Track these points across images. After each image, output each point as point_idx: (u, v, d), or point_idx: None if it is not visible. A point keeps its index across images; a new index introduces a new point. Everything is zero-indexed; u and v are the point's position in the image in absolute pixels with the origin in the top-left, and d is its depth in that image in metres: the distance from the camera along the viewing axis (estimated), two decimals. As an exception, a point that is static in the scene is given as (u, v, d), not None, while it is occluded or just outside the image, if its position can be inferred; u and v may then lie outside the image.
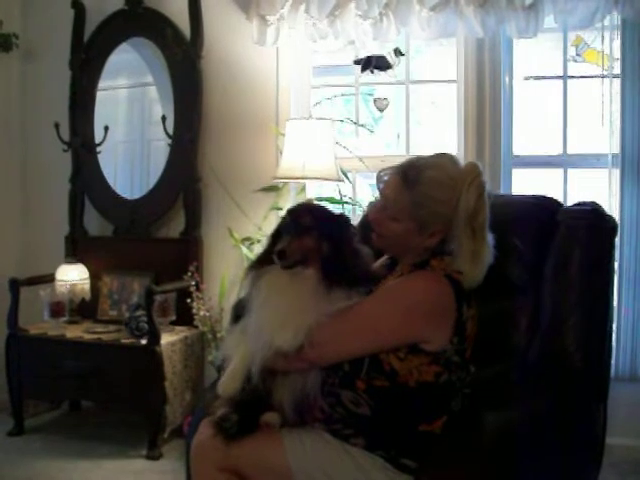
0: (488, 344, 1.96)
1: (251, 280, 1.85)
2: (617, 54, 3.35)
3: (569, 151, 3.57)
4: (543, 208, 2.35)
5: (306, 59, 3.84)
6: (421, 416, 1.77)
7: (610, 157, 3.34)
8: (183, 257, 3.76)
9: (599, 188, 3.42)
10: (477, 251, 1.77)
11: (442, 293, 1.76)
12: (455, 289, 1.77)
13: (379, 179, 1.94)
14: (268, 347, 1.73)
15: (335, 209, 2.00)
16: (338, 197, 3.63)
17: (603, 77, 3.43)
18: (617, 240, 2.24)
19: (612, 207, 3.31)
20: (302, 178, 3.26)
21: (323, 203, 3.68)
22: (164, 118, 3.78)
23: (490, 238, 1.82)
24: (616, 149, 3.33)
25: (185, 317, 3.66)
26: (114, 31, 4.03)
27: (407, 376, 1.73)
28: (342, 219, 1.90)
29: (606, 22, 3.30)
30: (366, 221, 2.16)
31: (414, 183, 1.80)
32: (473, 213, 1.75)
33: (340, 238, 1.82)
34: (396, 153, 4.35)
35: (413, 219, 1.81)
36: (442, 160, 1.87)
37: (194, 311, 3.60)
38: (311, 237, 1.80)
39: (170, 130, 3.81)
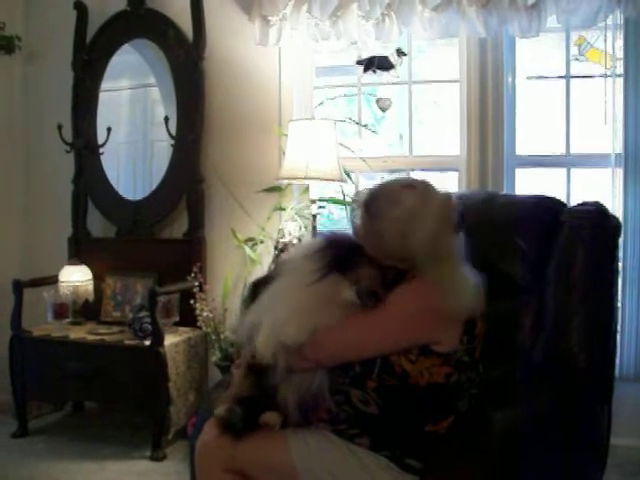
0: (493, 344, 1.96)
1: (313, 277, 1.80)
2: (620, 53, 3.34)
3: (572, 151, 3.57)
4: (546, 208, 2.35)
5: (308, 59, 3.83)
6: (429, 416, 1.78)
7: (613, 157, 3.33)
8: (186, 258, 3.76)
9: (602, 188, 3.41)
10: (448, 280, 1.74)
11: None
12: None
13: (352, 211, 1.98)
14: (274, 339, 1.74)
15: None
16: (341, 197, 3.63)
17: (606, 76, 3.42)
18: (621, 240, 2.24)
19: (615, 207, 3.29)
20: (305, 178, 3.26)
21: (325, 204, 3.70)
22: (167, 119, 3.79)
23: (468, 270, 1.79)
24: (619, 149, 3.32)
25: (188, 318, 3.66)
26: (116, 32, 4.03)
27: (418, 377, 1.74)
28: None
29: (609, 21, 3.29)
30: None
31: (375, 218, 1.84)
32: (433, 244, 1.74)
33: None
34: (399, 153, 4.36)
35: (381, 250, 1.82)
36: (404, 194, 1.84)
37: (197, 312, 3.59)
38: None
39: (173, 131, 3.81)
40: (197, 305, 3.60)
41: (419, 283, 1.80)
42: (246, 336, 1.84)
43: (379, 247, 1.83)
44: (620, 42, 3.34)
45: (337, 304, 1.77)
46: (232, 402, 1.85)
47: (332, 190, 3.69)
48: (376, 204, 1.87)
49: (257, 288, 1.93)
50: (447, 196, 1.83)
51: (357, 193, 2.02)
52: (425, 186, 1.87)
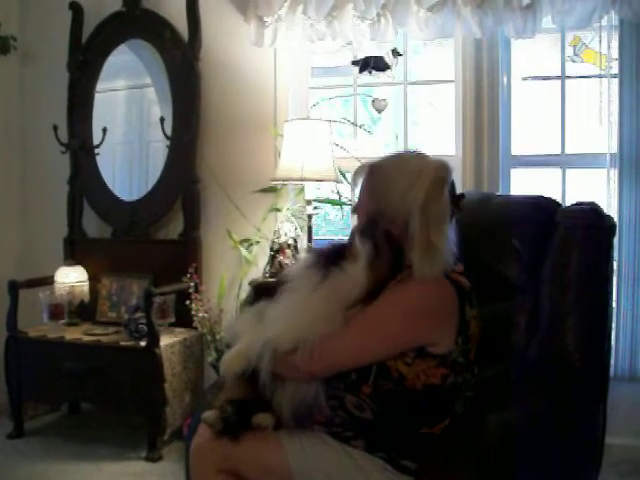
0: (487, 345, 1.96)
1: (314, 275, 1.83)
2: (615, 54, 3.34)
3: (567, 151, 3.57)
4: (541, 208, 2.35)
5: (304, 60, 3.83)
6: (424, 419, 1.77)
7: (608, 157, 3.34)
8: (182, 258, 3.76)
9: (597, 188, 3.42)
10: (431, 243, 1.75)
11: (443, 293, 1.76)
12: (456, 289, 1.77)
13: (355, 177, 2.03)
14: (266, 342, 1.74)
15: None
16: (337, 198, 3.63)
17: (601, 77, 3.43)
18: (615, 240, 2.24)
19: (610, 207, 3.30)
20: (300, 179, 3.26)
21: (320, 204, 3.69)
22: (162, 119, 3.79)
23: (451, 234, 1.82)
24: (614, 149, 3.33)
25: (184, 319, 3.66)
26: (112, 33, 4.03)
27: (414, 380, 1.73)
28: None
29: (604, 22, 3.30)
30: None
31: (376, 169, 1.92)
32: (426, 202, 1.76)
33: None
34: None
35: (373, 202, 1.87)
36: (406, 154, 1.98)
37: (193, 312, 3.59)
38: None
39: (168, 131, 3.81)
40: (193, 306, 3.60)
41: (413, 284, 1.80)
42: (234, 339, 1.85)
43: (381, 212, 1.84)
44: (615, 43, 3.34)
45: (339, 304, 1.75)
46: (224, 403, 1.85)
47: (328, 191, 3.70)
48: (380, 168, 1.92)
49: (259, 291, 1.92)
50: (442, 161, 1.88)
51: (359, 167, 2.05)
52: (423, 153, 1.95)
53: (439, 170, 1.83)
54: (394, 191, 1.83)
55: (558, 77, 3.61)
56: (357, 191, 1.99)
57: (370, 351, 1.76)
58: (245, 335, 1.82)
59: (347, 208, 3.71)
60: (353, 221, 2.03)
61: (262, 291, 1.91)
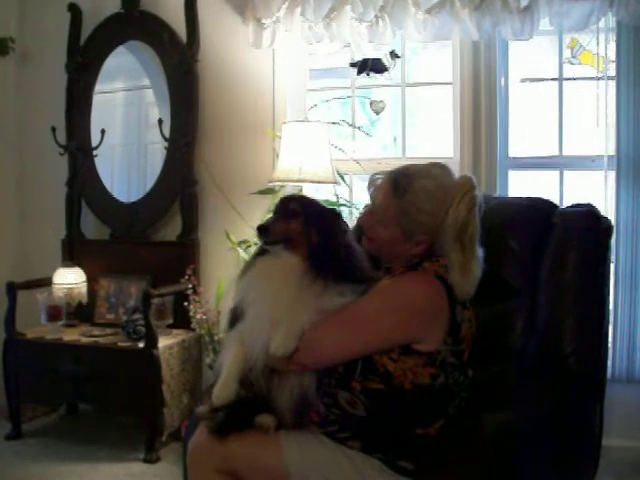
0: (485, 346, 1.97)
1: (240, 274, 1.89)
2: (612, 56, 3.35)
3: (565, 153, 3.58)
4: (539, 210, 2.36)
5: (302, 62, 3.85)
6: (418, 420, 1.78)
7: (606, 159, 3.35)
8: (180, 260, 3.76)
9: (595, 190, 3.42)
10: (465, 264, 1.76)
11: (433, 293, 1.77)
12: (447, 290, 1.77)
13: (371, 182, 1.98)
14: (264, 352, 1.75)
15: (328, 205, 2.03)
16: (335, 200, 3.63)
17: (598, 79, 3.45)
18: (612, 242, 2.25)
19: (608, 209, 3.31)
20: (298, 181, 3.26)
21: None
22: (161, 121, 3.79)
23: (480, 252, 1.82)
24: (612, 151, 3.34)
25: (182, 320, 3.66)
26: (110, 34, 4.03)
27: (402, 378, 1.73)
28: (332, 212, 1.93)
29: (601, 24, 3.31)
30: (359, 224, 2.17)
31: (404, 191, 1.83)
32: (462, 227, 1.76)
33: (329, 229, 1.84)
34: (392, 155, 4.35)
35: (399, 226, 1.83)
36: (435, 170, 1.87)
37: (191, 314, 3.60)
38: (297, 221, 1.84)
39: (167, 133, 3.81)
40: (191, 307, 3.60)
41: (405, 282, 1.81)
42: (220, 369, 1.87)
43: (401, 225, 1.82)
44: (612, 45, 3.35)
45: (301, 291, 1.77)
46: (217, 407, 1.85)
47: (326, 192, 3.70)
48: (405, 179, 1.85)
49: (235, 312, 1.92)
50: (468, 177, 1.85)
51: (374, 173, 2.02)
52: (449, 168, 1.90)
53: (473, 189, 1.80)
54: (425, 214, 1.80)
55: (556, 79, 3.62)
56: (373, 197, 1.95)
57: (356, 346, 1.77)
58: (226, 361, 1.84)
59: (345, 210, 3.72)
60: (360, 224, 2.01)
61: (238, 315, 1.89)
